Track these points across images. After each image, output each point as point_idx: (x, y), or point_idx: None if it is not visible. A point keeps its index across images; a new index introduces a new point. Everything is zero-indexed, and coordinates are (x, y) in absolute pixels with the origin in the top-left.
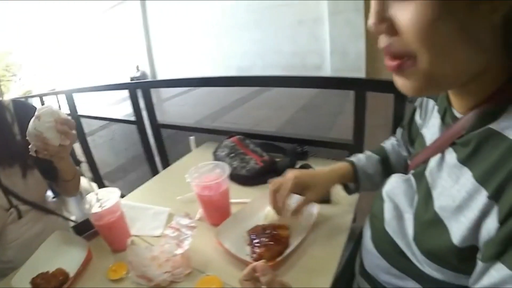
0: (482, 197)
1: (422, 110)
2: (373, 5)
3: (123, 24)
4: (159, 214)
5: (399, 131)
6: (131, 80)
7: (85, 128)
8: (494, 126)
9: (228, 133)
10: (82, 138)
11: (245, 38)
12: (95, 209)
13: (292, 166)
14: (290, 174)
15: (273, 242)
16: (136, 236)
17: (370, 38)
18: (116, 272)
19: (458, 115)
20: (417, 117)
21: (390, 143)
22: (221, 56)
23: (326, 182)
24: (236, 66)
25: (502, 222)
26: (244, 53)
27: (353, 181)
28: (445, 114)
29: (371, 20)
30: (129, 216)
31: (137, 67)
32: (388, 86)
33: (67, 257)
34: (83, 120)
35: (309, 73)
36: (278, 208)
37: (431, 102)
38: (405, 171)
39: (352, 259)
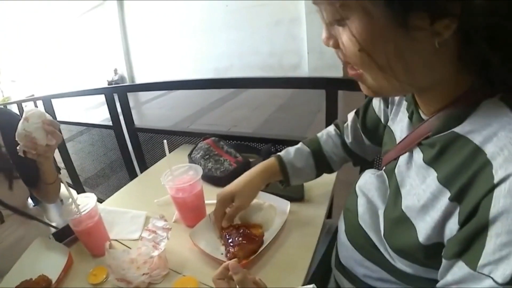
0: (445, 198)
1: (390, 103)
2: (324, 21)
3: (100, 27)
4: (137, 218)
5: (350, 116)
6: (108, 84)
7: (64, 134)
8: (458, 129)
9: (204, 136)
10: (61, 144)
11: (222, 39)
12: (74, 214)
13: None
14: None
15: (246, 241)
16: (114, 240)
17: None
18: (97, 276)
19: (424, 117)
20: (375, 107)
21: (326, 133)
22: (199, 57)
23: (250, 188)
24: (214, 67)
25: (462, 223)
26: (221, 54)
27: (281, 176)
28: (413, 114)
29: (323, 34)
30: (107, 220)
31: (115, 70)
32: (358, 85)
33: (49, 263)
34: (62, 126)
35: (286, 72)
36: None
37: (396, 98)
38: (346, 157)
39: (329, 253)
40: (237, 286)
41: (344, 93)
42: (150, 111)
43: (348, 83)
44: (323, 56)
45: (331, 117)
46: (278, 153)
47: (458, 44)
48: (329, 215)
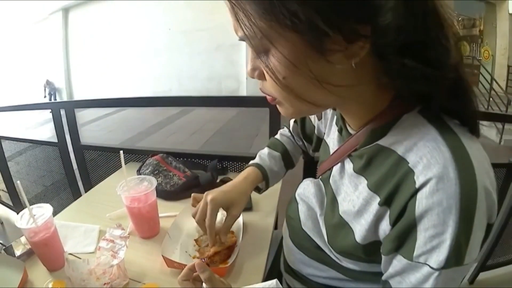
0: (376, 203)
1: (323, 117)
2: (249, 53)
3: (42, 42)
4: (90, 231)
5: (291, 123)
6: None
7: (5, 153)
8: (382, 142)
9: (151, 153)
10: (3, 163)
11: (162, 63)
12: (29, 225)
13: (213, 180)
14: (207, 198)
15: (221, 246)
16: (70, 254)
17: None
18: None
19: (351, 131)
20: (311, 118)
21: (285, 136)
22: (139, 79)
23: (242, 195)
24: (153, 91)
25: (393, 223)
26: (161, 78)
27: (263, 182)
28: (342, 129)
29: (248, 67)
30: (60, 234)
31: (47, 81)
32: None
33: (3, 279)
34: (4, 144)
35: None
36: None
37: (329, 110)
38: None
39: (277, 260)
40: (204, 285)
41: None
42: (88, 133)
43: None
44: None
45: (275, 134)
46: (253, 161)
47: (374, 62)
48: (275, 226)
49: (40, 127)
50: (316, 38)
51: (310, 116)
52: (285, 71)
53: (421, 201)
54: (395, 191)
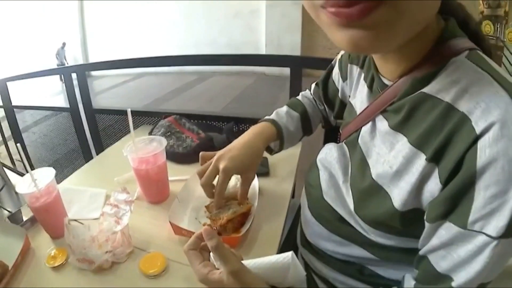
0: (421, 160)
1: (348, 77)
2: None
3: (58, 12)
4: (96, 196)
5: (313, 86)
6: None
7: (20, 125)
8: (427, 90)
9: (164, 114)
10: (17, 135)
11: (181, 31)
12: (31, 189)
13: (229, 143)
14: (219, 165)
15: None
16: (73, 220)
17: (306, 31)
18: (56, 259)
19: (387, 82)
20: (335, 77)
21: (306, 98)
22: (156, 47)
23: (256, 156)
24: None
25: (444, 183)
26: (179, 45)
27: (277, 141)
28: (373, 82)
29: None
30: (65, 199)
31: (63, 44)
32: (322, 64)
33: (4, 248)
34: (17, 115)
35: None
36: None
37: (355, 69)
38: (321, 118)
39: (293, 232)
40: (212, 254)
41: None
42: (105, 101)
43: (312, 62)
44: (281, 48)
45: (296, 95)
46: (269, 117)
47: None
48: (292, 194)
49: (57, 97)
50: None
51: (334, 78)
52: None
53: (484, 150)
54: (446, 143)
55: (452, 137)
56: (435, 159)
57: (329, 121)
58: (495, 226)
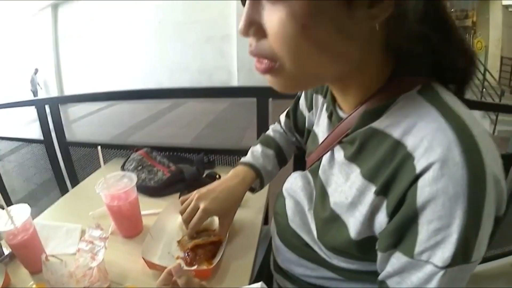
0: (371, 193)
1: (314, 107)
2: (246, 7)
3: (32, 41)
4: (72, 231)
5: (282, 118)
6: (33, 91)
7: None
8: (376, 125)
9: (136, 147)
10: None
11: (152, 56)
12: (8, 226)
13: (199, 175)
14: (199, 205)
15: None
16: (51, 256)
17: None
18: None
19: (342, 115)
20: (302, 107)
21: (277, 132)
22: (129, 73)
23: (236, 203)
24: (144, 84)
25: (391, 215)
26: (151, 71)
27: (257, 180)
28: (332, 114)
29: (241, 23)
30: (41, 235)
31: (36, 70)
32: (288, 94)
33: None
34: None
35: None
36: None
37: (320, 99)
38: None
39: (268, 258)
40: None
41: (273, 103)
42: (79, 129)
43: (279, 92)
44: (252, 73)
45: (263, 125)
46: (246, 160)
47: (384, 32)
48: (265, 221)
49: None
50: None
51: (301, 107)
52: (306, 18)
53: (423, 189)
54: (392, 178)
55: (397, 173)
56: (383, 192)
57: (304, 148)
58: (441, 256)
